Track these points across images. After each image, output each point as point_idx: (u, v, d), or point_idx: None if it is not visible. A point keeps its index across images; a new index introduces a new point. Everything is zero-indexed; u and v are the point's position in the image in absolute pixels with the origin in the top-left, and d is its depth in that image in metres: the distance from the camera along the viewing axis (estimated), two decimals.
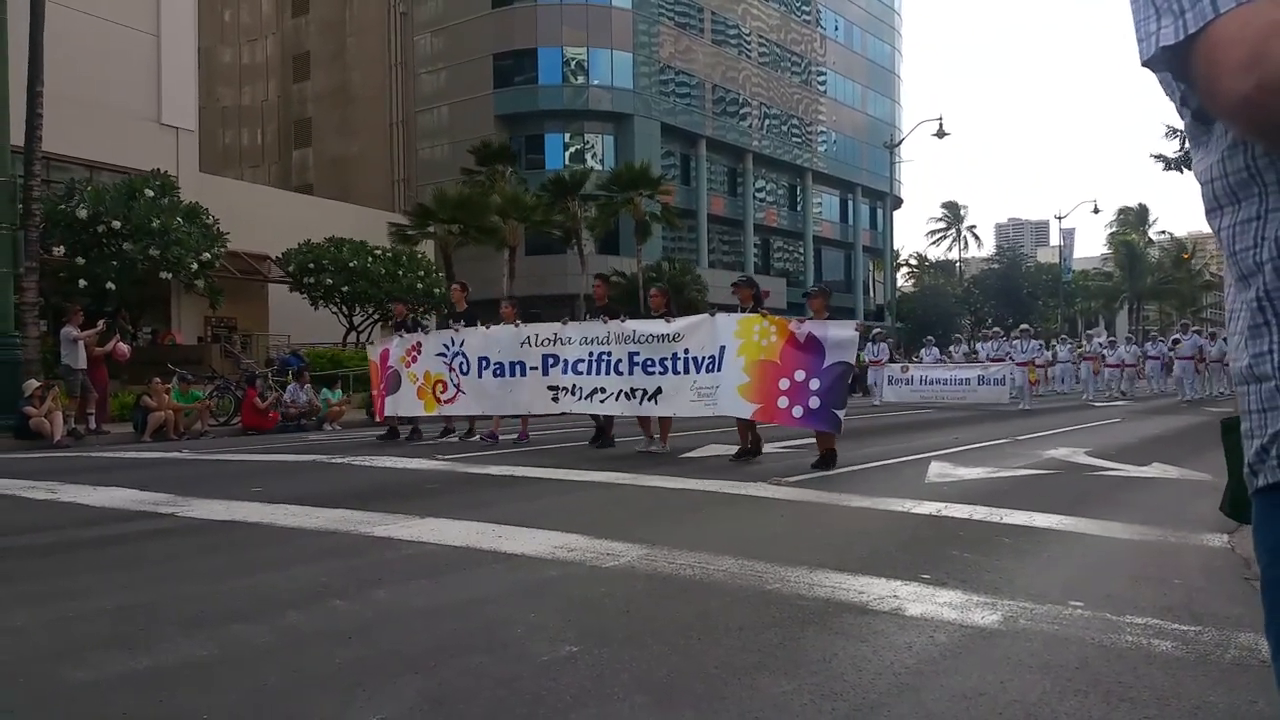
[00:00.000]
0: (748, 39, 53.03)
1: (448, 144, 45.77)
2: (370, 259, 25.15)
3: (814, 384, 8.10)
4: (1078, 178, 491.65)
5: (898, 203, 60.07)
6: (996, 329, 23.80)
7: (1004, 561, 4.44)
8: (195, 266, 19.36)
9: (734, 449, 10.19)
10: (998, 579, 4.06)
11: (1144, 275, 79.45)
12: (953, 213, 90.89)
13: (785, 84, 55.80)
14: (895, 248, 71.93)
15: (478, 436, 11.25)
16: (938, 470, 8.01)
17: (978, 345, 23.55)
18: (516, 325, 10.66)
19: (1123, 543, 4.95)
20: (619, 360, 9.64)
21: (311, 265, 24.60)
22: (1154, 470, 8.12)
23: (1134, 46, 1.00)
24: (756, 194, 54.05)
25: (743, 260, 52.04)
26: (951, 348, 25.73)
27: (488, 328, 10.88)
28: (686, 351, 9.17)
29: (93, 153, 21.44)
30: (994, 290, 64.65)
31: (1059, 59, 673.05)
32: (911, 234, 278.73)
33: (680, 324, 9.34)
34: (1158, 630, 3.26)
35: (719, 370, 8.88)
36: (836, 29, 60.51)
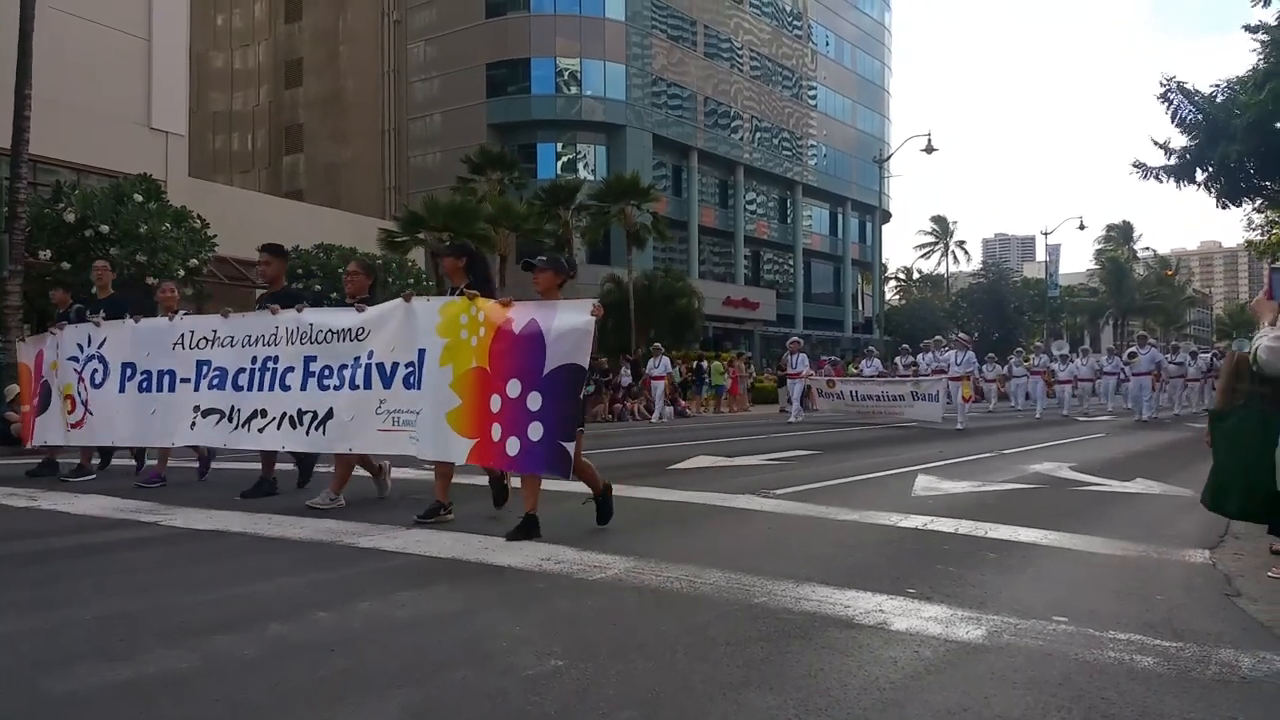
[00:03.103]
0: (740, 53, 53.30)
1: (439, 152, 45.76)
2: None
3: (532, 401, 5.20)
4: (1063, 195, 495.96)
5: (886, 217, 60.43)
6: (938, 337, 21.89)
7: (989, 576, 4.46)
8: (182, 272, 19.27)
9: (722, 461, 10.13)
10: (982, 593, 4.08)
11: (1129, 291, 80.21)
12: (941, 227, 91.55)
13: (776, 98, 56.08)
14: (884, 261, 72.46)
15: (93, 475, 8.19)
16: (924, 484, 8.04)
17: (919, 357, 21.78)
18: (173, 317, 7.69)
19: (1106, 558, 4.98)
20: (289, 369, 6.71)
21: (300, 271, 24.51)
22: (1137, 486, 8.17)
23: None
24: (747, 206, 54.23)
25: (733, 271, 52.21)
26: (897, 358, 23.28)
27: (137, 321, 7.83)
28: (370, 355, 6.29)
29: (81, 156, 21.33)
30: (981, 304, 65.07)
31: (1045, 77, 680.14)
32: (900, 248, 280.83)
33: (370, 315, 6.44)
34: (1140, 646, 3.28)
35: (417, 386, 5.99)
36: (828, 44, 60.92)
